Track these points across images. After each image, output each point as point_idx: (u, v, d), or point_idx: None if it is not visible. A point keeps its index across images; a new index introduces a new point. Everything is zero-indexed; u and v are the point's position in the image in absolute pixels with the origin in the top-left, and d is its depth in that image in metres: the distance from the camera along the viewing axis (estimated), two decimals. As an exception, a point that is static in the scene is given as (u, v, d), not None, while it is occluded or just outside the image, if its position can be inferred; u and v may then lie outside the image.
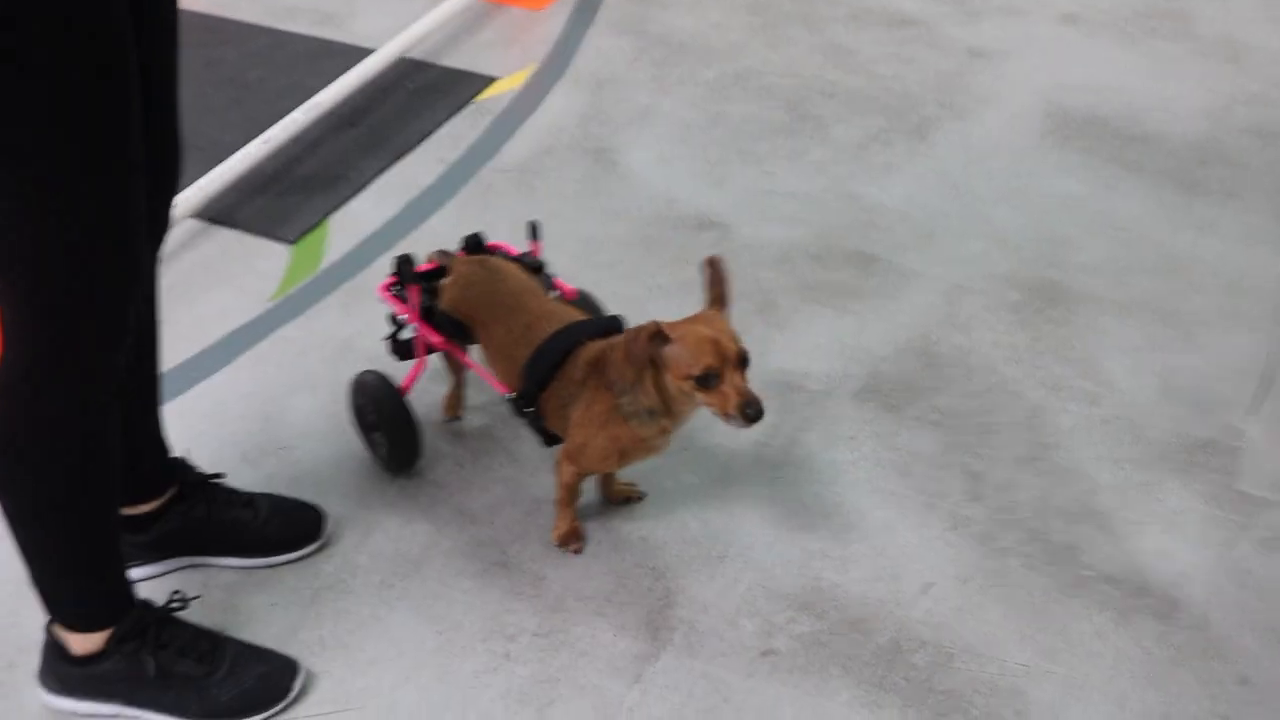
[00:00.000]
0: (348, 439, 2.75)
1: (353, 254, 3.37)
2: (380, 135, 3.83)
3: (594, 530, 2.55)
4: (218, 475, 2.51)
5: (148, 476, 2.39)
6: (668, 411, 2.25)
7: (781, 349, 3.03)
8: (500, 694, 2.26)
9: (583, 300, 2.77)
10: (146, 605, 2.20)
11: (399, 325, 2.68)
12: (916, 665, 2.30)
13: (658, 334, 2.15)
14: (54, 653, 2.19)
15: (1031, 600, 2.42)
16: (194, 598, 2.30)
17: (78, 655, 2.16)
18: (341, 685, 2.28)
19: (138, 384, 2.26)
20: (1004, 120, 3.94)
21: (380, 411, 2.62)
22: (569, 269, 3.19)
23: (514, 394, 2.42)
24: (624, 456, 2.35)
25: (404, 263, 2.62)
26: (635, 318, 3.10)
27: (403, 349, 2.70)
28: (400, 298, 2.66)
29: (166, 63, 2.01)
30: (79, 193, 1.71)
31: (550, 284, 2.69)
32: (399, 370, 2.68)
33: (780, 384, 2.92)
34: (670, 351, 2.16)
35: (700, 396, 2.16)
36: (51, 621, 2.17)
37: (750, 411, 2.13)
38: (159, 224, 2.12)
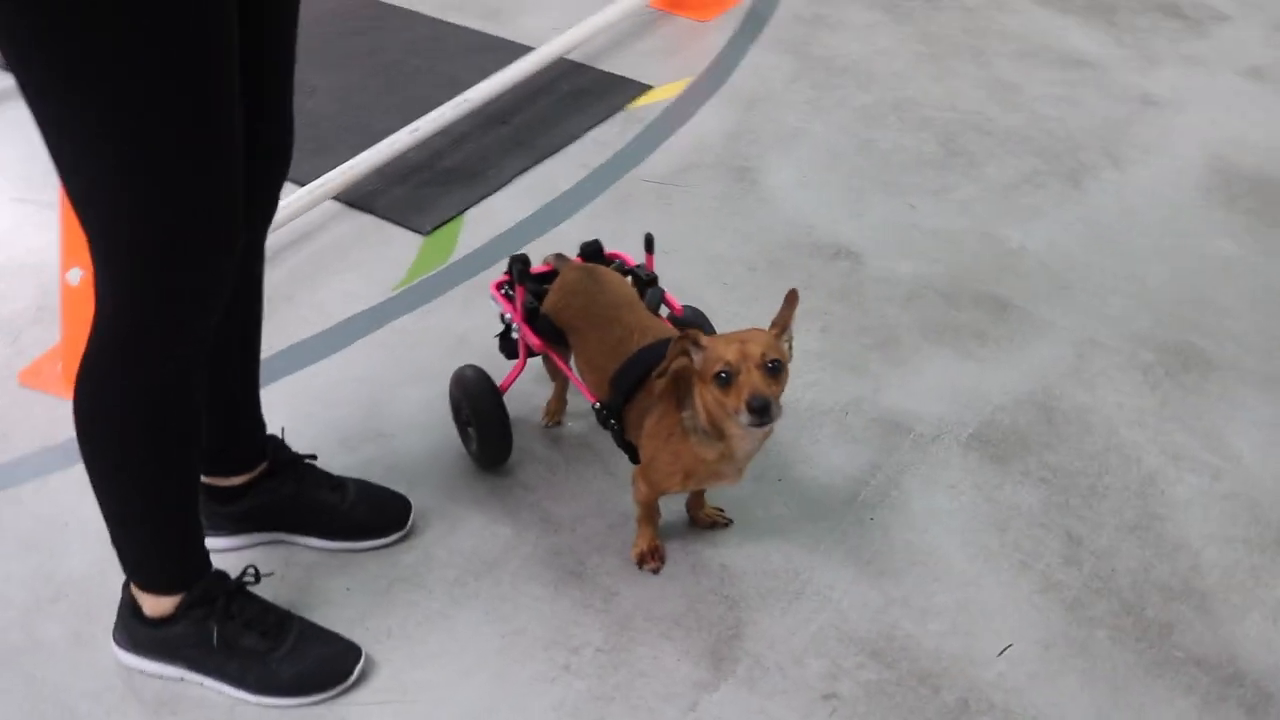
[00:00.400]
0: (448, 433, 2.77)
1: (481, 250, 3.40)
2: (527, 135, 3.85)
3: (674, 551, 2.52)
4: (310, 456, 2.54)
5: (241, 450, 2.43)
6: (717, 432, 2.20)
7: (896, 387, 2.96)
8: (554, 704, 2.25)
9: (691, 317, 2.74)
10: (220, 576, 2.24)
11: (508, 324, 2.69)
12: (983, 729, 2.22)
13: (686, 338, 2.15)
14: (129, 611, 2.24)
15: (1114, 675, 2.31)
16: (268, 574, 2.34)
17: (149, 616, 2.21)
18: (399, 676, 2.30)
19: (240, 359, 2.32)
20: (1166, 172, 3.79)
21: (475, 407, 2.62)
22: (693, 286, 3.18)
23: (599, 404, 2.41)
24: (688, 477, 2.31)
25: (517, 262, 2.63)
26: (751, 341, 3.08)
27: (509, 348, 2.71)
28: (509, 297, 2.67)
29: (284, 42, 2.02)
30: (173, 146, 1.72)
31: (660, 299, 2.67)
32: (504, 369, 2.68)
33: (888, 423, 2.85)
34: (699, 358, 2.15)
35: (717, 397, 2.11)
36: (128, 581, 2.22)
37: (755, 404, 2.05)
38: (268, 204, 2.16)
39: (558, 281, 2.60)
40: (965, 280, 3.32)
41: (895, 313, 3.20)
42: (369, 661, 2.29)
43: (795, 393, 2.93)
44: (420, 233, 3.46)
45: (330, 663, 2.26)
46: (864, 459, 2.76)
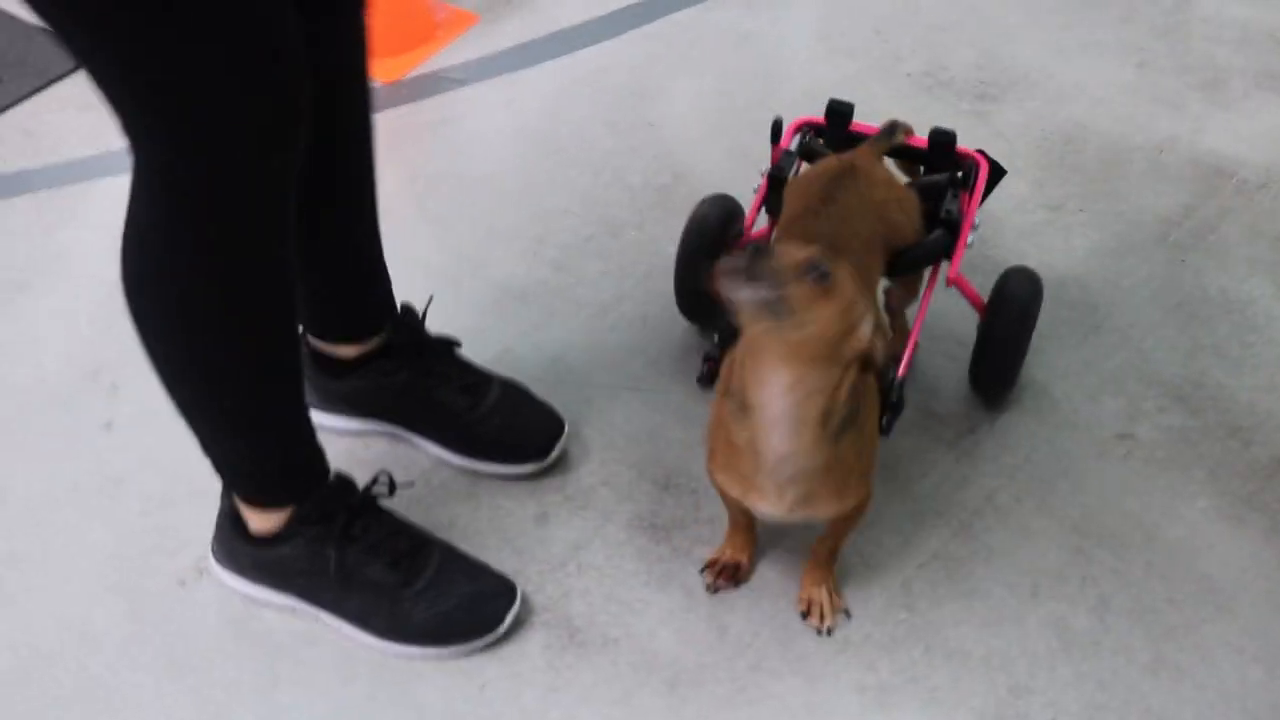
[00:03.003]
0: (717, 128, 2.58)
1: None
2: None
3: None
4: (450, 343, 2.00)
5: (352, 313, 1.93)
6: (743, 399, 1.51)
7: (1219, 130, 2.64)
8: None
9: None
10: (343, 486, 1.76)
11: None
12: (1297, 491, 1.98)
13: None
14: (230, 524, 1.79)
15: None
16: (406, 484, 1.88)
17: (254, 534, 1.77)
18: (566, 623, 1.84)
19: (345, 184, 1.77)
20: None
21: (692, 232, 2.08)
22: (999, 8, 2.93)
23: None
24: (728, 467, 1.63)
25: (835, 111, 2.05)
26: (1061, 70, 2.79)
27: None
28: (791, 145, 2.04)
29: None
30: None
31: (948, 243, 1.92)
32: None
33: (1208, 166, 2.55)
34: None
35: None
36: (229, 486, 1.78)
37: (751, 248, 1.41)
38: (345, 41, 1.64)
39: (810, 168, 1.99)
40: (1307, 28, 2.95)
41: (1224, 54, 2.86)
42: (526, 606, 1.83)
43: (1103, 124, 2.65)
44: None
45: (479, 604, 1.78)
46: (1178, 200, 2.48)
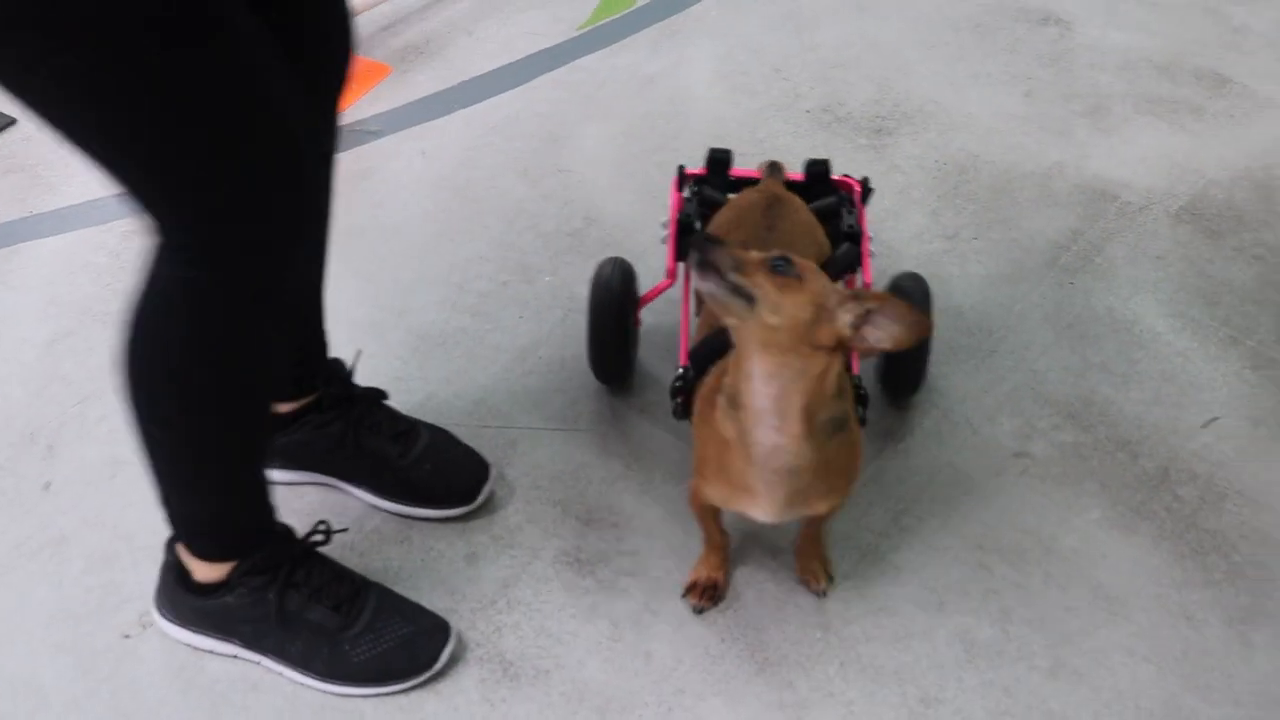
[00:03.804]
0: (624, 172, 2.67)
1: (672, -5, 3.27)
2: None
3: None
4: (377, 394, 2.08)
5: (296, 369, 1.98)
6: (735, 395, 1.60)
7: (1104, 155, 2.79)
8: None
9: (908, 284, 2.19)
10: (284, 537, 1.83)
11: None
12: (1182, 498, 2.10)
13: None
14: (173, 575, 1.84)
15: (1328, 456, 2.18)
16: (341, 530, 1.97)
17: (199, 583, 1.82)
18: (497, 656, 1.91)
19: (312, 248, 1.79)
20: None
21: (597, 306, 2.16)
22: (891, 44, 3.03)
23: (681, 370, 1.88)
24: (720, 470, 1.70)
25: (715, 159, 2.17)
26: (953, 101, 2.93)
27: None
28: (688, 194, 2.17)
29: None
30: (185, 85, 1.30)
31: (854, 261, 2.02)
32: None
33: (1093, 190, 2.69)
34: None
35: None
36: (175, 539, 1.83)
37: (701, 243, 1.51)
38: (326, 127, 1.75)
39: (734, 199, 2.10)
40: (1183, 54, 3.10)
41: (1107, 81, 3.01)
42: (460, 643, 1.91)
43: (994, 153, 2.78)
44: (607, -25, 3.33)
45: (415, 644, 1.84)
46: (1066, 224, 2.61)
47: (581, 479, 2.13)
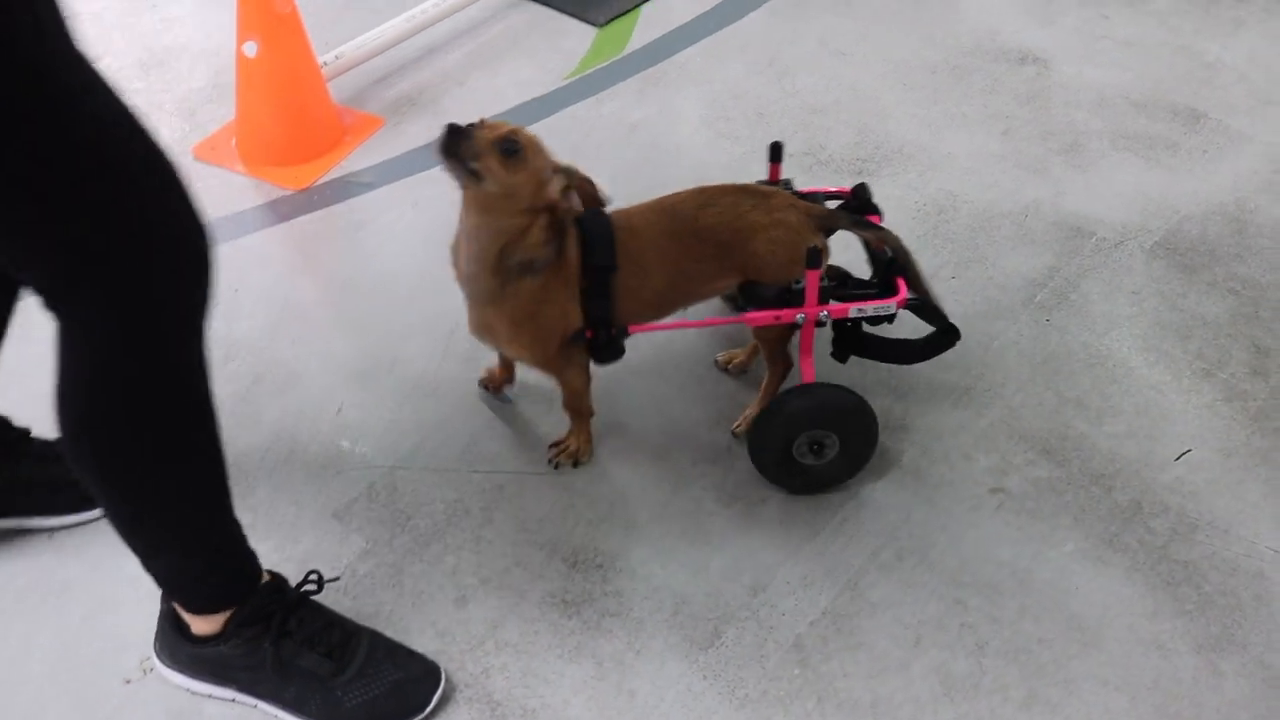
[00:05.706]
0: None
1: (657, 44, 3.33)
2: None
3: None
4: (21, 431, 2.15)
5: None
6: (458, 239, 2.08)
7: (1079, 192, 2.85)
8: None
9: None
10: (276, 585, 1.89)
11: None
12: (1155, 530, 2.15)
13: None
14: (170, 625, 1.91)
15: (1298, 486, 2.23)
16: (332, 579, 2.03)
17: (195, 635, 1.88)
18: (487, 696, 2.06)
19: None
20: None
21: None
22: (870, 88, 3.10)
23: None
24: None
25: None
26: (932, 142, 2.99)
27: None
28: None
29: None
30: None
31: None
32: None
33: (1069, 227, 2.75)
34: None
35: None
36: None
37: (449, 130, 1.87)
38: None
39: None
40: (1158, 91, 3.17)
41: (1082, 118, 3.07)
42: (449, 684, 1.96)
43: (972, 193, 2.84)
44: (595, 24, 3.40)
45: (405, 689, 1.90)
46: (1042, 261, 2.67)
47: (568, 521, 2.19)
